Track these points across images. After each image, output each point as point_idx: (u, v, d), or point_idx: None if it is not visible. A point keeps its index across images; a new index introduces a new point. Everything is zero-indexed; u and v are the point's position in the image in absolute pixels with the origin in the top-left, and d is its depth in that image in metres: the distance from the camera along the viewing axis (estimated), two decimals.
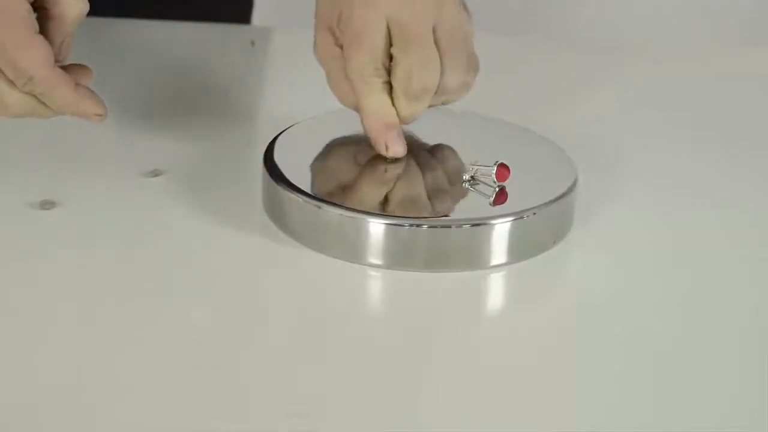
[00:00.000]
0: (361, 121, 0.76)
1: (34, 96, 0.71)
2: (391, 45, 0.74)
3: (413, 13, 0.74)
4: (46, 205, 0.76)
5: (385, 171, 0.76)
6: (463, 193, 0.74)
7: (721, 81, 1.01)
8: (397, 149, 0.76)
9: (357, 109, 0.76)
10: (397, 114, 0.75)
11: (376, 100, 0.75)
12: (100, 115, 0.73)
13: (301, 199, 0.72)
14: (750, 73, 1.03)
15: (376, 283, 0.72)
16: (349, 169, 0.74)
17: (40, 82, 0.70)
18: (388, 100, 0.75)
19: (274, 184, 0.74)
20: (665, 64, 1.03)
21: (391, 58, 0.74)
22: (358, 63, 0.74)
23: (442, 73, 0.74)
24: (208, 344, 0.65)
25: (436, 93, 0.75)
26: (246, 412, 0.60)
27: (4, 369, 0.63)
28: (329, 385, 0.63)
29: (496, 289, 0.74)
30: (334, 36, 0.76)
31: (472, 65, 0.76)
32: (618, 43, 1.07)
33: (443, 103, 0.77)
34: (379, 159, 0.76)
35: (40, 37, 0.70)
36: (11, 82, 0.70)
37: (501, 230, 0.72)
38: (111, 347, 0.64)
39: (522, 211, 0.72)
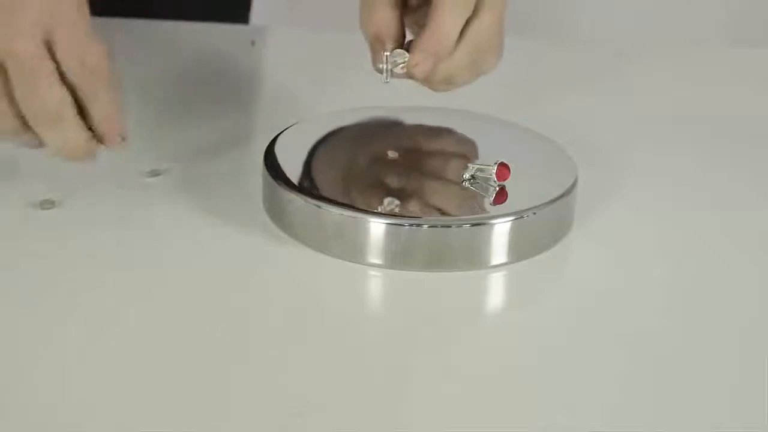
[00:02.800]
0: (425, 29, 0.74)
1: (73, 101, 0.69)
2: None
3: None
4: (46, 204, 0.76)
5: (386, 170, 0.76)
6: (464, 193, 0.74)
7: (721, 81, 1.01)
8: (422, 74, 0.74)
9: (383, 24, 0.75)
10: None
11: (453, 21, 0.73)
12: (124, 140, 0.73)
13: (301, 199, 0.72)
14: (750, 73, 1.03)
15: (376, 283, 0.72)
16: (349, 169, 0.74)
17: (99, 78, 0.69)
18: (458, 33, 0.73)
19: (274, 183, 0.74)
20: (665, 64, 1.03)
21: None
22: None
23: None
24: (208, 344, 0.65)
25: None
26: (246, 411, 0.60)
27: (3, 369, 0.63)
28: (329, 384, 0.63)
29: (496, 289, 0.73)
30: None
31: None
32: (619, 43, 1.07)
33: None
34: (379, 158, 0.76)
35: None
36: (60, 74, 0.69)
37: (501, 230, 0.72)
38: (111, 347, 0.64)
39: (522, 211, 0.72)
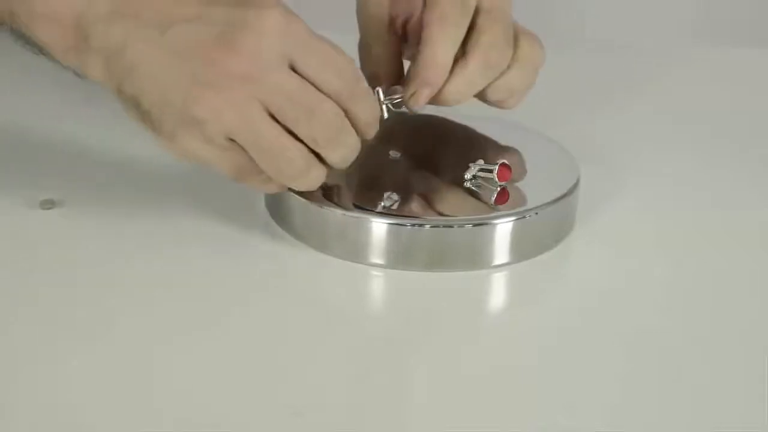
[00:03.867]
0: (387, 69, 0.75)
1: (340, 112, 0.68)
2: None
3: None
4: (46, 204, 0.76)
5: (388, 170, 0.76)
6: (465, 193, 0.74)
7: (722, 81, 1.01)
8: (419, 104, 0.73)
9: (381, 62, 0.76)
10: (450, 83, 0.73)
11: (445, 48, 0.73)
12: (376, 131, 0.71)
13: (303, 199, 0.72)
14: (752, 73, 1.03)
15: (378, 283, 0.72)
16: (351, 169, 0.74)
17: (356, 78, 0.68)
18: (451, 59, 0.73)
19: None
20: (667, 64, 1.03)
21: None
22: (448, 6, 0.73)
23: (522, 48, 0.75)
24: (210, 343, 0.65)
25: (506, 70, 0.74)
26: (247, 411, 0.60)
27: (2, 369, 0.63)
28: (331, 384, 0.63)
29: (498, 289, 0.74)
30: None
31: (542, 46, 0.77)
32: (621, 43, 1.07)
33: (506, 90, 0.75)
34: (381, 158, 0.76)
35: None
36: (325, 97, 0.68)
37: (503, 230, 0.72)
38: (112, 346, 0.64)
39: (524, 211, 0.72)
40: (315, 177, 0.69)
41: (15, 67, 0.94)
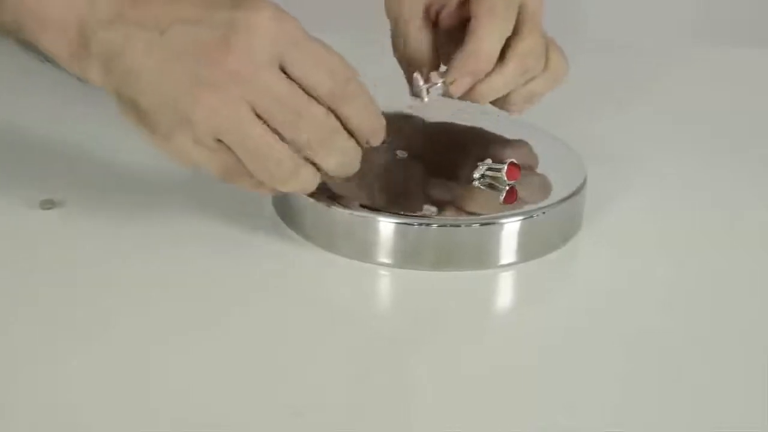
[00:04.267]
0: (464, 49, 0.74)
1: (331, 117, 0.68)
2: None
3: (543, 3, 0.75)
4: (46, 204, 0.75)
5: (395, 170, 0.76)
6: (473, 192, 0.74)
7: (723, 81, 1.01)
8: (459, 91, 0.74)
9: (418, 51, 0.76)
10: (484, 81, 0.74)
11: (492, 40, 0.73)
12: (383, 135, 0.71)
13: (310, 198, 0.72)
14: (753, 73, 1.03)
15: (385, 283, 0.72)
16: (358, 168, 0.73)
17: (356, 83, 0.68)
18: (497, 51, 0.74)
19: None
20: (668, 64, 1.04)
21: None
22: (497, 2, 0.73)
23: (552, 59, 0.76)
24: (215, 343, 0.65)
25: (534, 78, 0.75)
26: (253, 410, 0.60)
27: (3, 368, 0.62)
28: (338, 383, 0.62)
29: (505, 289, 0.74)
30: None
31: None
32: (623, 44, 1.08)
33: (527, 97, 0.76)
34: (388, 158, 0.76)
35: None
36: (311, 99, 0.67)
37: (510, 230, 0.72)
38: (112, 346, 0.64)
39: (531, 211, 0.72)
40: (305, 180, 0.69)
41: (15, 67, 0.94)
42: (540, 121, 0.82)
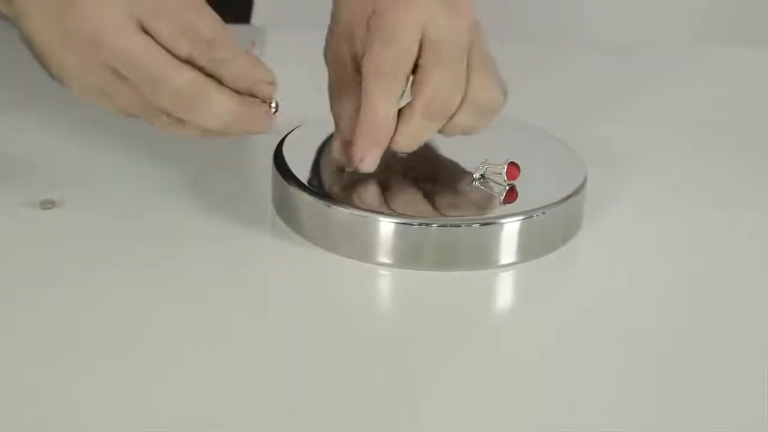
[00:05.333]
0: (345, 122, 0.72)
1: (203, 76, 0.65)
2: (418, 57, 0.70)
3: (456, 27, 0.69)
4: (46, 204, 0.75)
5: (395, 169, 0.75)
6: (473, 192, 0.74)
7: (724, 81, 1.01)
8: (369, 167, 0.71)
9: (342, 113, 0.72)
10: (397, 134, 0.71)
11: (386, 104, 0.70)
12: (272, 84, 0.67)
13: (310, 199, 0.72)
14: (754, 73, 1.03)
15: (385, 282, 0.72)
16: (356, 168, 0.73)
17: (220, 45, 0.65)
18: (395, 112, 0.71)
19: (283, 183, 0.74)
20: (669, 64, 1.04)
21: (413, 70, 0.70)
22: (383, 58, 0.69)
23: (473, 90, 0.71)
24: (216, 343, 0.65)
25: (456, 113, 0.71)
26: (252, 410, 0.60)
27: (3, 368, 0.62)
28: (338, 384, 0.62)
29: (505, 289, 0.73)
30: (352, 39, 0.72)
31: (503, 90, 0.73)
32: (623, 44, 1.08)
33: (460, 131, 0.73)
34: (388, 157, 0.76)
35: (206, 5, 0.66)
36: (180, 62, 0.64)
37: (510, 230, 0.72)
38: (112, 346, 0.64)
39: (531, 211, 0.72)
40: (183, 134, 0.68)
41: (15, 67, 0.94)
42: (540, 121, 0.82)
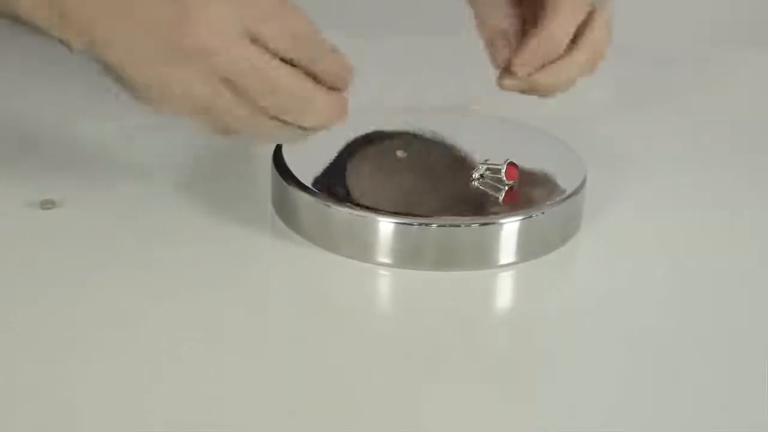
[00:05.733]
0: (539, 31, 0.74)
1: (307, 78, 0.67)
2: None
3: None
4: (46, 204, 0.75)
5: (395, 169, 0.76)
6: (473, 192, 0.74)
7: (729, 82, 1.01)
8: (524, 72, 0.74)
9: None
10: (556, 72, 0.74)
11: (568, 24, 0.73)
12: (351, 75, 0.69)
13: (310, 198, 0.72)
14: (754, 73, 1.03)
15: (385, 282, 0.72)
16: (358, 168, 0.73)
17: (318, 44, 0.67)
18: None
19: (283, 183, 0.74)
20: (670, 64, 1.03)
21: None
22: None
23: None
24: (216, 343, 0.65)
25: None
26: (252, 410, 0.60)
27: (3, 368, 0.62)
28: (338, 384, 0.62)
29: (504, 289, 0.73)
30: None
31: None
32: (625, 44, 1.07)
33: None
34: (388, 157, 0.76)
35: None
36: (287, 65, 0.66)
37: (510, 230, 0.72)
38: (111, 346, 0.64)
39: (531, 211, 0.72)
40: (290, 138, 0.69)
41: (15, 67, 0.94)
42: (540, 121, 0.82)
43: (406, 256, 0.71)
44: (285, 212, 0.75)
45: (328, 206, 0.72)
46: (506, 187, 0.74)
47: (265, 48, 0.66)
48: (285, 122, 0.68)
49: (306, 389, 0.62)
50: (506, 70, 0.75)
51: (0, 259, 0.71)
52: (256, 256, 0.73)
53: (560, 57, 0.74)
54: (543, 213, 0.72)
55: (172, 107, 0.67)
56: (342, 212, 0.71)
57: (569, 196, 0.74)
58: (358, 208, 0.71)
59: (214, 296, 0.69)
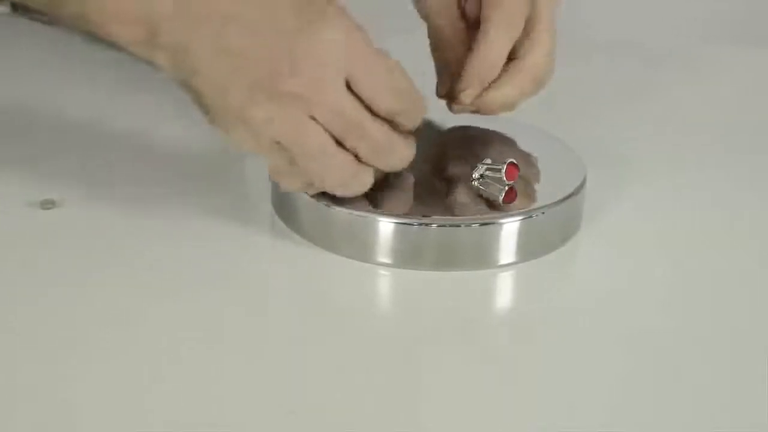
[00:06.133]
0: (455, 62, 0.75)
1: (392, 130, 0.70)
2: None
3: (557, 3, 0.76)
4: (46, 205, 0.75)
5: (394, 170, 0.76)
6: (473, 192, 0.74)
7: (729, 81, 1.01)
8: (467, 100, 0.75)
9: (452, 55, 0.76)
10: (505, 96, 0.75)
11: (503, 45, 0.74)
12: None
13: (310, 198, 0.72)
14: (754, 73, 1.04)
15: (385, 282, 0.72)
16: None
17: (411, 91, 0.69)
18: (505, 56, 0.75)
19: None
20: (670, 63, 1.04)
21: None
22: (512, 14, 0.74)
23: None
24: (216, 343, 0.65)
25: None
26: (254, 410, 0.60)
27: (3, 368, 0.62)
28: (338, 384, 0.62)
29: (504, 289, 0.73)
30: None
31: None
32: (624, 43, 1.08)
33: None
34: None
35: None
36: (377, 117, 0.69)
37: (510, 229, 0.72)
38: (111, 346, 0.64)
39: (531, 211, 0.72)
40: (363, 183, 0.71)
41: (15, 67, 0.94)
42: (540, 121, 0.82)
43: (406, 256, 0.71)
44: (285, 212, 0.75)
45: (328, 206, 0.72)
46: (506, 187, 0.74)
47: (361, 97, 0.68)
48: (360, 165, 0.70)
49: (305, 389, 0.62)
50: (450, 97, 0.76)
51: (0, 259, 0.71)
52: (256, 256, 0.73)
53: (499, 77, 0.74)
54: (543, 213, 0.72)
55: (248, 137, 0.68)
56: (342, 212, 0.71)
57: (569, 196, 0.74)
58: (358, 208, 0.71)
59: (214, 296, 0.69)
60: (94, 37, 0.69)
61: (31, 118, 0.87)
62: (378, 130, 0.69)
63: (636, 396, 0.62)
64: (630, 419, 0.61)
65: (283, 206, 0.75)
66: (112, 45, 0.69)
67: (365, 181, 0.71)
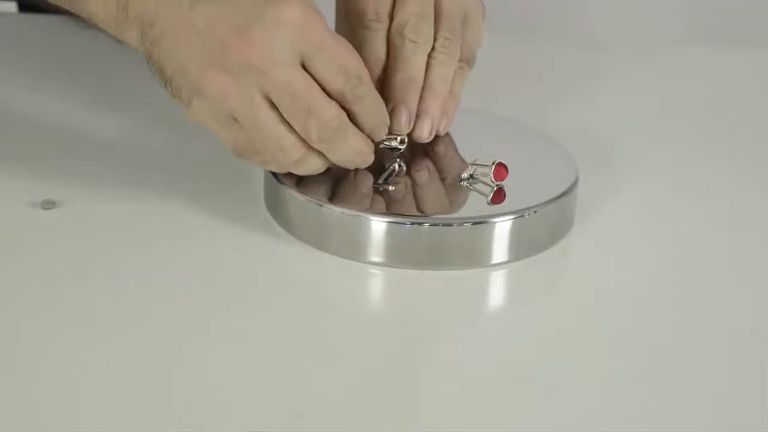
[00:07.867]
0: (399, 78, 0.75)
1: (344, 113, 0.70)
2: None
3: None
4: (46, 204, 0.76)
5: (387, 169, 0.76)
6: (465, 192, 0.74)
7: (721, 81, 1.01)
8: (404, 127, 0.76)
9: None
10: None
11: (422, 64, 0.75)
12: (387, 126, 0.74)
13: (302, 198, 0.72)
14: (753, 73, 1.03)
15: (377, 281, 0.72)
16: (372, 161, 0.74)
17: (365, 82, 0.70)
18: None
19: (276, 181, 0.74)
20: (666, 64, 1.04)
21: None
22: (421, 26, 0.75)
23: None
24: (208, 341, 0.65)
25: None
26: (245, 410, 0.60)
27: (4, 368, 0.63)
28: (329, 383, 0.63)
29: (496, 288, 0.73)
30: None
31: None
32: (620, 43, 1.07)
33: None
34: (380, 157, 0.76)
35: None
36: (329, 97, 0.70)
37: (502, 229, 0.72)
38: (111, 347, 0.64)
39: (522, 210, 0.72)
40: (310, 167, 0.72)
41: (16, 67, 0.94)
42: (532, 119, 0.82)
43: (398, 255, 0.71)
44: (277, 211, 0.75)
45: (320, 205, 0.72)
46: (495, 188, 0.74)
47: (314, 76, 0.69)
48: (310, 149, 0.71)
49: (296, 389, 0.62)
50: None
51: (0, 259, 0.71)
52: (247, 254, 0.73)
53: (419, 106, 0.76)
54: (535, 212, 0.73)
55: (200, 113, 0.70)
56: (334, 211, 0.71)
57: (561, 195, 0.74)
58: (351, 207, 0.72)
59: (207, 295, 0.69)
60: (86, 23, 0.73)
61: (31, 118, 0.88)
62: (329, 111, 0.69)
63: (629, 395, 0.62)
64: (623, 418, 0.61)
65: (276, 206, 0.75)
66: (91, 24, 0.72)
67: (313, 166, 0.72)
